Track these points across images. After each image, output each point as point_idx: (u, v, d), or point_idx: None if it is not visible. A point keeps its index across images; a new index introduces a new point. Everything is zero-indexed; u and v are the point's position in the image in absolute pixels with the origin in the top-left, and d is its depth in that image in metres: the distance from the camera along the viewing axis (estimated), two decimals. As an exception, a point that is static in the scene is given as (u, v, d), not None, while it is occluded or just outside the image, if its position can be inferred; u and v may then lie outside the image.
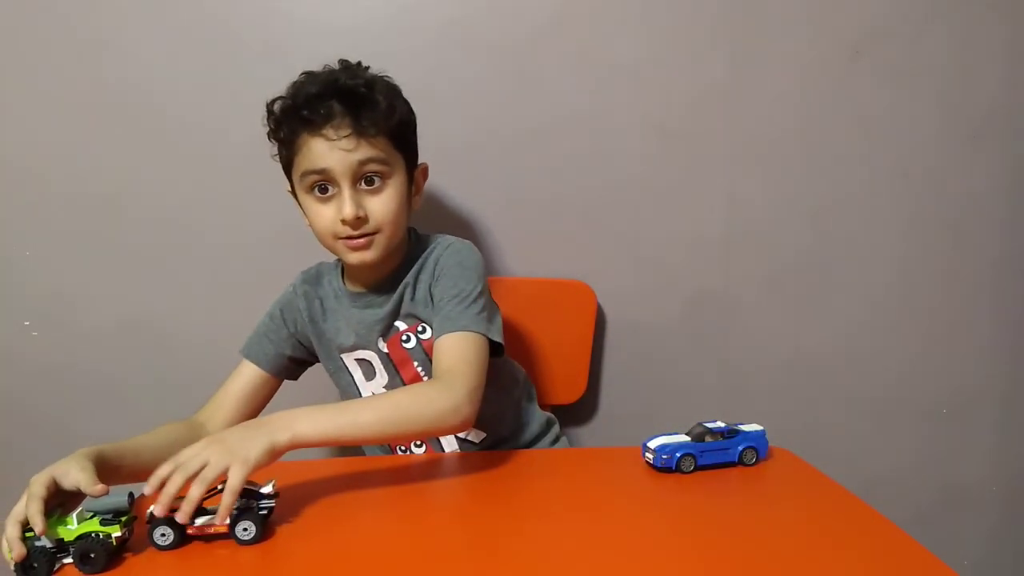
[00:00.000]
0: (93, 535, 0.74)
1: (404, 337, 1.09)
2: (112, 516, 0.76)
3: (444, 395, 0.93)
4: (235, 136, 1.35)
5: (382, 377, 1.12)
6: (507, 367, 1.20)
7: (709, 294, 1.45)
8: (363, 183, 1.01)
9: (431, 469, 1.06)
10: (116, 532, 0.75)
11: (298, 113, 1.00)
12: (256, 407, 1.13)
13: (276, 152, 1.07)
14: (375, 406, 0.94)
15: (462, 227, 1.38)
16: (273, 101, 1.04)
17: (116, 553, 0.75)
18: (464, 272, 1.06)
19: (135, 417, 1.41)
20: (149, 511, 0.77)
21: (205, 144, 1.36)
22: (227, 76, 1.34)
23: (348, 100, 0.98)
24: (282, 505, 0.81)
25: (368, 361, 1.12)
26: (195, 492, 0.76)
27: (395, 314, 1.10)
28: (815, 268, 1.46)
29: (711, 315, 1.46)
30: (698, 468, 0.95)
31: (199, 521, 0.77)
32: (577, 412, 1.46)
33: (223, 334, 1.41)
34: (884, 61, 1.41)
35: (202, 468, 0.77)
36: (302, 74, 1.04)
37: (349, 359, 1.13)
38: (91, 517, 0.76)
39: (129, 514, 0.77)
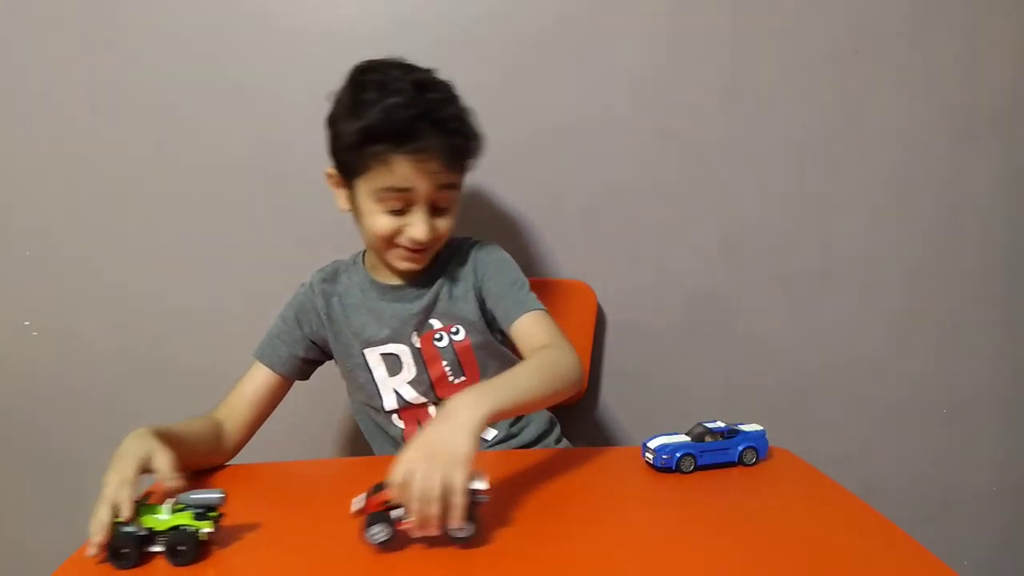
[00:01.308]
0: (185, 528, 0.74)
1: (437, 336, 1.11)
2: (204, 511, 0.76)
3: (570, 358, 1.00)
4: (235, 136, 1.35)
5: (409, 372, 1.12)
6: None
7: (709, 294, 1.45)
8: (433, 205, 1.04)
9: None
10: (207, 528, 0.75)
11: (398, 135, 0.99)
12: (270, 408, 1.14)
13: (337, 139, 1.05)
14: (532, 371, 0.96)
15: (462, 227, 1.38)
16: (357, 106, 1.01)
17: (204, 548, 0.75)
18: (508, 264, 1.14)
19: (135, 417, 1.41)
20: (359, 508, 0.77)
21: (205, 144, 1.36)
22: (227, 76, 1.34)
23: (442, 130, 1.00)
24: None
25: (395, 355, 1.12)
26: (433, 510, 0.74)
27: (429, 311, 1.11)
28: (815, 268, 1.46)
29: (711, 315, 1.46)
30: (698, 468, 0.95)
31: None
32: (577, 412, 1.46)
33: (223, 334, 1.41)
34: (884, 61, 1.41)
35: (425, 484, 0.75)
36: (376, 88, 1.00)
37: (373, 354, 1.12)
38: (183, 510, 0.76)
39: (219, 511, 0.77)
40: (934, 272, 1.48)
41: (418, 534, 0.76)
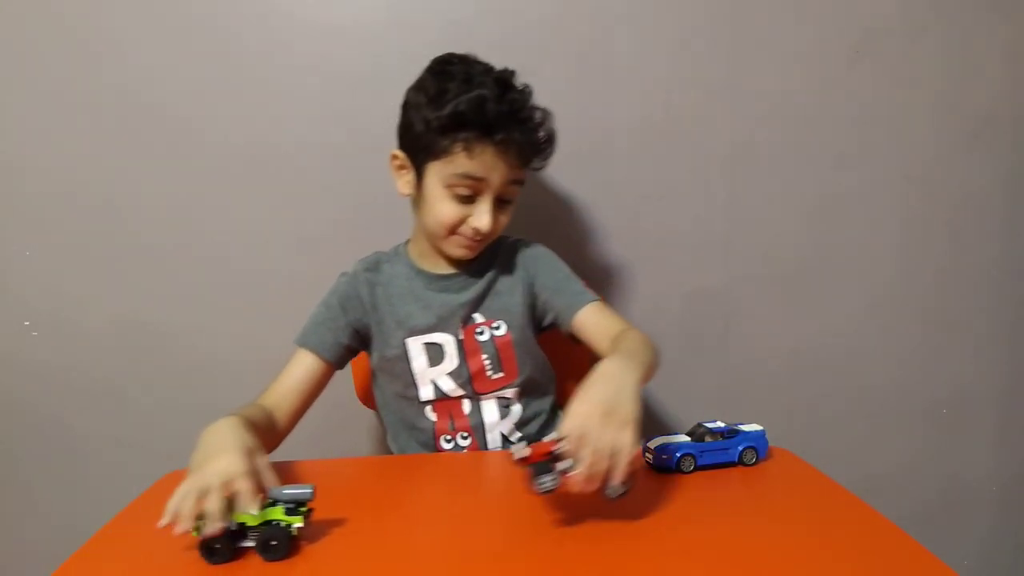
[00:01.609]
0: (276, 523, 0.74)
1: (479, 330, 1.13)
2: (295, 506, 0.76)
3: (651, 340, 1.03)
4: (235, 136, 1.35)
5: (450, 363, 1.13)
6: (548, 366, 1.22)
7: (709, 294, 1.45)
8: (500, 199, 1.08)
9: (431, 468, 1.07)
10: (298, 523, 0.75)
11: (490, 129, 1.03)
12: (315, 396, 1.14)
13: (414, 125, 1.07)
14: (641, 348, 0.98)
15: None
16: (443, 94, 1.04)
17: (293, 543, 0.76)
18: (557, 259, 1.19)
19: (135, 417, 1.42)
20: (523, 456, 0.79)
21: (205, 144, 1.36)
22: (227, 76, 1.34)
23: (525, 127, 1.07)
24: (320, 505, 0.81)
25: (439, 345, 1.13)
26: (603, 467, 0.77)
27: (476, 304, 1.14)
28: (815, 268, 1.46)
29: (711, 315, 1.46)
30: (698, 468, 0.95)
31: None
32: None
33: (223, 334, 1.41)
34: (884, 61, 1.41)
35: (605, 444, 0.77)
36: (464, 81, 1.05)
37: (416, 343, 1.13)
38: (273, 504, 0.76)
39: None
40: (933, 271, 1.48)
41: (579, 489, 0.77)
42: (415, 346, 1.13)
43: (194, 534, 0.74)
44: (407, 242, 1.21)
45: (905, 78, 1.42)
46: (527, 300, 1.16)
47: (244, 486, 0.75)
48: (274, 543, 0.74)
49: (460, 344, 1.13)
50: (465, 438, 1.14)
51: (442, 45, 1.34)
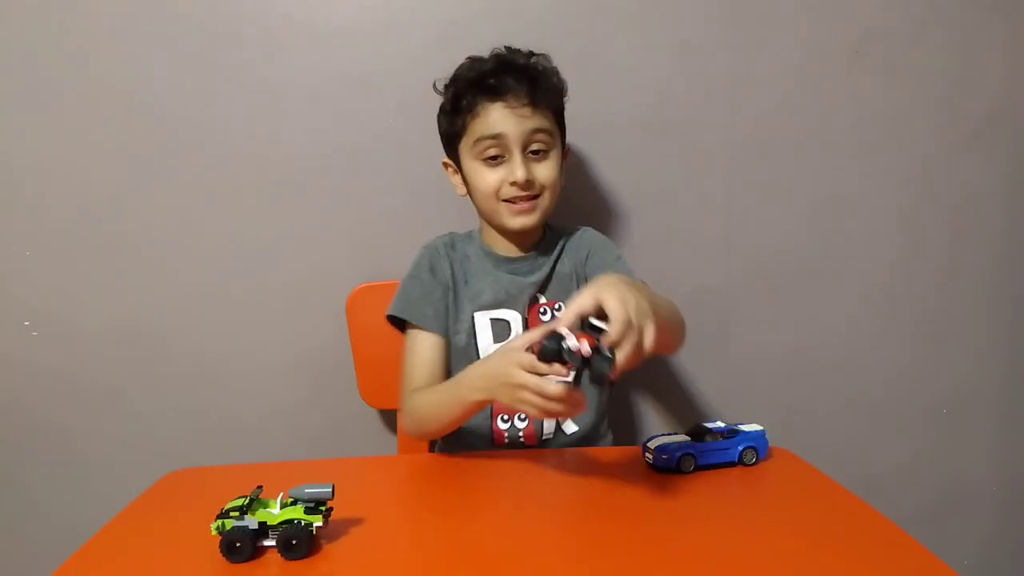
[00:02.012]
0: (296, 522, 0.75)
1: (542, 310, 1.18)
2: (314, 505, 0.76)
3: (681, 316, 1.09)
4: (235, 137, 1.35)
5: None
6: None
7: (709, 294, 1.45)
8: (530, 152, 1.11)
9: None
10: (318, 522, 0.75)
11: (482, 83, 1.10)
12: (448, 367, 1.17)
13: (441, 126, 1.17)
14: (665, 304, 1.02)
15: (462, 227, 1.38)
16: (448, 81, 1.15)
17: (313, 541, 0.76)
18: (610, 244, 1.24)
19: (135, 417, 1.42)
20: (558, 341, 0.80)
21: (205, 145, 1.36)
22: (227, 77, 1.34)
23: (525, 75, 1.11)
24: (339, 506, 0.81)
25: (506, 321, 1.17)
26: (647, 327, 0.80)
27: (542, 285, 1.19)
28: (815, 268, 1.46)
29: (711, 315, 1.46)
30: (698, 468, 0.95)
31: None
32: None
33: (223, 335, 1.41)
34: (884, 61, 1.41)
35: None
36: (468, 59, 1.16)
37: (484, 318, 1.17)
38: (294, 503, 0.76)
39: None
40: (933, 271, 1.48)
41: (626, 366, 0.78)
42: (482, 321, 1.17)
43: (214, 533, 0.74)
44: (479, 229, 1.25)
45: (905, 78, 1.42)
46: (581, 285, 1.17)
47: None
48: (294, 542, 0.74)
49: (525, 323, 1.17)
50: (523, 419, 1.16)
51: (442, 45, 1.34)
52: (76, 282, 1.38)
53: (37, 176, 1.35)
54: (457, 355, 1.17)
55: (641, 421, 1.48)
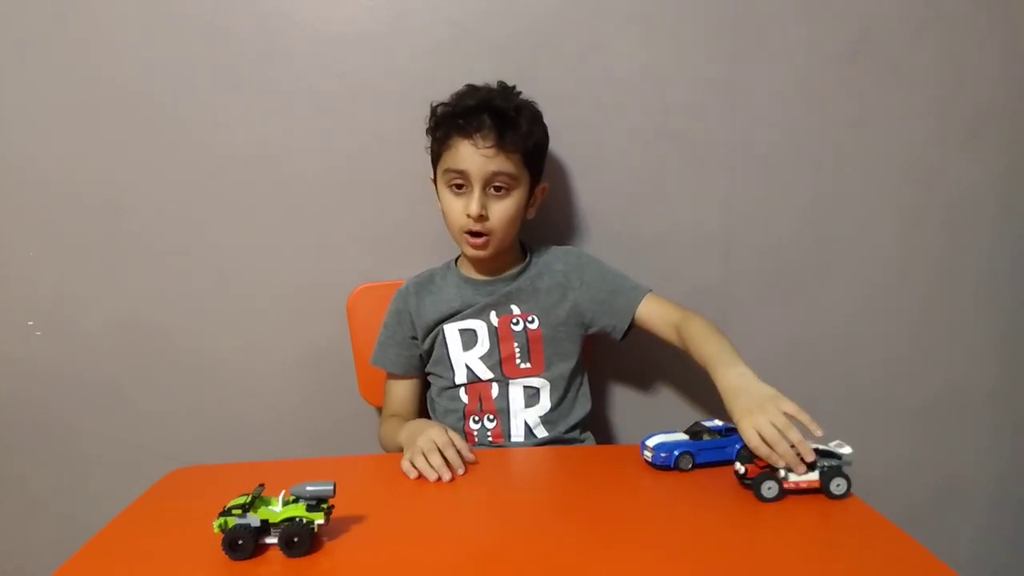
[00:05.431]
0: (298, 520, 0.75)
1: (514, 320, 1.23)
2: (316, 503, 0.77)
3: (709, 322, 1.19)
4: (236, 137, 1.36)
5: (482, 347, 1.22)
6: (582, 373, 1.29)
7: (708, 293, 1.45)
8: (492, 188, 1.16)
9: None
10: (319, 520, 0.76)
11: (455, 119, 1.16)
12: (422, 399, 1.30)
13: (428, 146, 1.23)
14: (713, 335, 1.15)
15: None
16: (436, 105, 1.21)
17: (315, 539, 0.76)
18: (599, 263, 1.29)
19: (137, 417, 1.43)
20: (742, 467, 0.91)
21: (206, 146, 1.36)
22: (228, 78, 1.34)
23: (498, 118, 1.14)
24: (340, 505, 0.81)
25: (473, 330, 1.23)
26: (798, 453, 0.88)
27: (513, 296, 1.23)
28: (813, 267, 1.46)
29: (709, 314, 1.45)
30: (696, 466, 0.96)
31: (793, 478, 0.88)
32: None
33: (224, 335, 1.42)
34: (883, 61, 1.41)
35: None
36: (465, 86, 1.22)
37: (452, 329, 1.23)
38: (295, 501, 0.77)
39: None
40: (929, 270, 1.48)
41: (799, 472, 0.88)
42: (451, 332, 1.23)
43: (217, 531, 0.74)
44: (457, 258, 1.31)
45: (903, 77, 1.42)
46: (571, 308, 1.24)
47: (457, 439, 1.01)
48: (296, 539, 0.75)
49: (493, 330, 1.22)
50: (491, 420, 1.21)
51: (442, 46, 1.35)
52: (79, 282, 1.39)
53: (40, 177, 1.36)
54: (435, 365, 1.26)
55: (638, 420, 1.48)
